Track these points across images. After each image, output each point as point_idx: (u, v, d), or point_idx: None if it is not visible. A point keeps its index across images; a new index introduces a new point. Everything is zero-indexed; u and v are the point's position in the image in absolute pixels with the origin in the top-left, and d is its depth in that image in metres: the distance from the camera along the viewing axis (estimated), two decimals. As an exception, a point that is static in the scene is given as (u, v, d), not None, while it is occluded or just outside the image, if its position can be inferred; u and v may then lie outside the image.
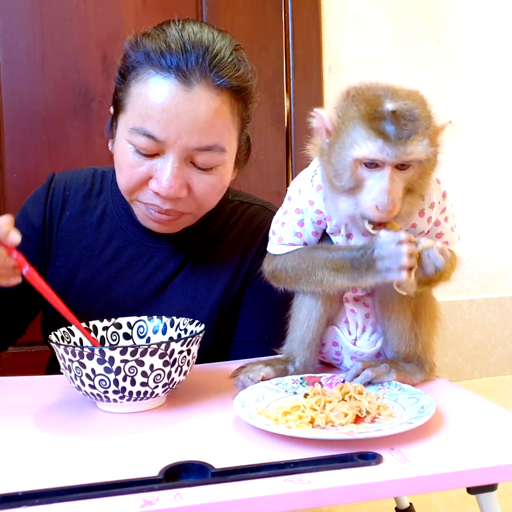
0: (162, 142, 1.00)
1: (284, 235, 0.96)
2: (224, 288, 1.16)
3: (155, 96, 0.99)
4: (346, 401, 0.83)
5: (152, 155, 1.02)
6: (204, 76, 0.99)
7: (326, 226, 0.94)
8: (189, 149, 1.01)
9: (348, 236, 0.92)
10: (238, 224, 1.19)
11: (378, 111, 0.80)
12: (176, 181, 1.01)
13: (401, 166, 0.82)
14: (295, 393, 0.89)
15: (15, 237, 0.88)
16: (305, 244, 0.95)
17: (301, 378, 0.92)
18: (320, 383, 0.90)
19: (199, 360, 0.95)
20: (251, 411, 0.80)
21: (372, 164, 0.81)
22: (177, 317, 0.99)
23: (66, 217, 1.19)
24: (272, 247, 0.98)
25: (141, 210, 1.09)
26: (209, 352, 1.11)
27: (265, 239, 1.01)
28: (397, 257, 0.81)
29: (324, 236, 0.96)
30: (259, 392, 0.87)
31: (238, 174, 1.16)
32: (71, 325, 0.96)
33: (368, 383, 0.89)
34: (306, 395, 0.86)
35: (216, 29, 1.04)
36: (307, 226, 0.94)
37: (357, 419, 0.79)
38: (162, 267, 1.16)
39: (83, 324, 0.98)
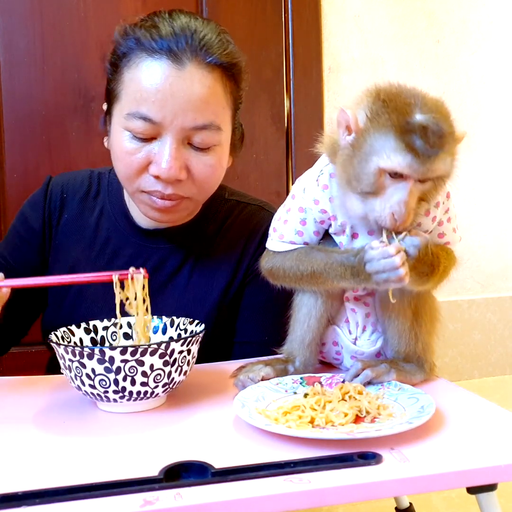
0: (159, 124, 1.00)
1: (285, 232, 0.96)
2: (222, 288, 1.16)
3: (148, 78, 1.00)
4: (346, 401, 0.83)
5: (149, 139, 1.02)
6: (195, 55, 1.01)
7: (329, 226, 0.94)
8: (186, 129, 1.01)
9: (353, 236, 0.92)
10: (235, 224, 1.19)
11: (409, 123, 0.81)
12: (176, 162, 1.01)
13: (422, 180, 0.84)
14: (295, 393, 0.89)
15: None
16: (306, 243, 0.95)
17: (301, 378, 0.92)
18: (320, 383, 0.90)
19: (199, 359, 0.95)
20: (251, 411, 0.80)
21: (396, 175, 0.83)
22: (177, 317, 0.99)
23: (64, 220, 1.19)
24: (272, 244, 0.97)
25: (144, 200, 1.08)
26: (207, 351, 1.10)
27: (263, 240, 1.00)
28: (393, 270, 0.83)
29: (326, 236, 0.96)
30: (259, 392, 0.87)
31: (233, 161, 1.15)
32: (71, 325, 0.96)
33: (368, 383, 0.89)
34: (306, 395, 0.86)
35: (200, 17, 1.07)
36: (309, 226, 0.94)
37: (357, 419, 0.79)
38: (160, 267, 1.16)
39: (83, 324, 0.98)
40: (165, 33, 1.01)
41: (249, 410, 0.80)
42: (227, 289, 1.16)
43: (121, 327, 1.00)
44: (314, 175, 0.94)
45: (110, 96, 1.08)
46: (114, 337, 0.99)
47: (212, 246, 1.17)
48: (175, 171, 1.02)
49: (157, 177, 1.03)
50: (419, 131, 0.80)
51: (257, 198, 1.25)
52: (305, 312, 0.96)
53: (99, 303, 1.15)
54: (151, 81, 1.00)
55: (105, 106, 1.12)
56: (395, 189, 0.83)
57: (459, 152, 0.86)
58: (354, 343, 0.97)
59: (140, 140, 1.03)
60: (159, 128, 1.01)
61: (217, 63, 1.02)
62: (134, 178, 1.06)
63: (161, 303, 1.14)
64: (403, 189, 0.83)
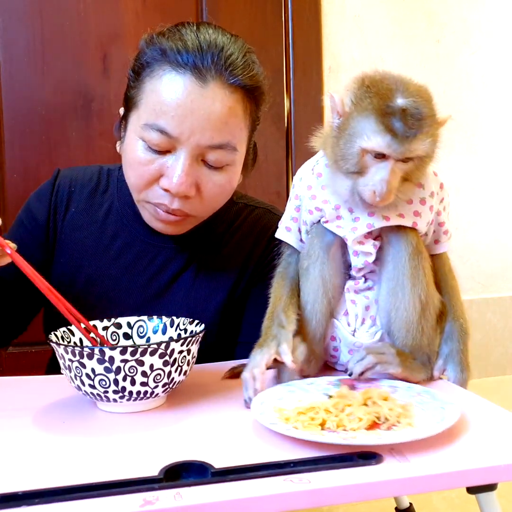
0: (175, 139, 1.00)
1: (284, 219, 1.02)
2: (227, 290, 1.16)
3: (170, 91, 1.00)
4: (367, 406, 0.81)
5: (163, 152, 1.02)
6: (219, 74, 1.01)
7: (319, 216, 0.96)
8: (202, 147, 1.01)
9: (355, 219, 0.93)
10: (242, 227, 1.20)
11: (390, 106, 0.85)
12: (187, 178, 1.02)
13: (403, 160, 0.88)
14: (328, 395, 0.86)
15: None
16: (299, 230, 0.99)
17: (336, 380, 0.91)
18: (353, 386, 0.88)
19: (201, 359, 0.95)
20: (267, 407, 0.79)
21: (378, 155, 0.87)
22: (177, 317, 0.99)
23: (71, 214, 1.19)
24: (277, 232, 1.02)
25: (148, 210, 1.09)
26: (212, 352, 1.11)
27: (270, 242, 1.01)
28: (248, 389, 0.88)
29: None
30: (287, 390, 0.86)
31: (244, 179, 1.16)
32: (71, 325, 0.96)
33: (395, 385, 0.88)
34: (330, 397, 0.84)
35: (228, 33, 1.06)
36: (302, 214, 0.98)
37: (373, 425, 0.77)
38: (166, 267, 1.16)
39: (82, 324, 0.98)
40: (192, 47, 1.01)
41: (261, 405, 0.79)
42: (233, 290, 1.17)
43: (120, 327, 1.00)
44: (311, 165, 0.99)
45: (129, 103, 1.07)
46: (114, 337, 0.99)
47: (219, 248, 1.18)
48: (186, 187, 1.02)
49: (166, 190, 1.03)
50: (398, 113, 0.85)
51: (264, 201, 1.26)
52: (309, 309, 0.96)
53: (104, 300, 1.15)
54: (172, 95, 1.00)
55: (122, 111, 1.11)
56: (377, 168, 0.87)
57: (441, 134, 0.89)
58: (353, 335, 0.96)
59: (154, 152, 1.03)
60: (175, 143, 1.01)
61: (240, 84, 1.03)
62: (143, 188, 1.06)
63: (167, 302, 1.15)
64: (385, 168, 0.87)
